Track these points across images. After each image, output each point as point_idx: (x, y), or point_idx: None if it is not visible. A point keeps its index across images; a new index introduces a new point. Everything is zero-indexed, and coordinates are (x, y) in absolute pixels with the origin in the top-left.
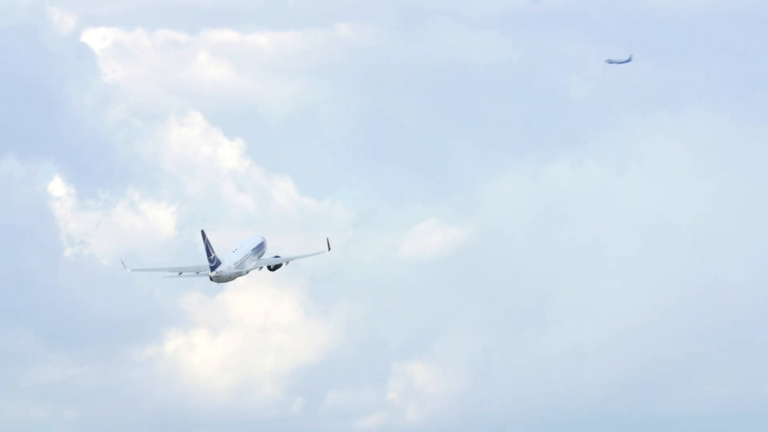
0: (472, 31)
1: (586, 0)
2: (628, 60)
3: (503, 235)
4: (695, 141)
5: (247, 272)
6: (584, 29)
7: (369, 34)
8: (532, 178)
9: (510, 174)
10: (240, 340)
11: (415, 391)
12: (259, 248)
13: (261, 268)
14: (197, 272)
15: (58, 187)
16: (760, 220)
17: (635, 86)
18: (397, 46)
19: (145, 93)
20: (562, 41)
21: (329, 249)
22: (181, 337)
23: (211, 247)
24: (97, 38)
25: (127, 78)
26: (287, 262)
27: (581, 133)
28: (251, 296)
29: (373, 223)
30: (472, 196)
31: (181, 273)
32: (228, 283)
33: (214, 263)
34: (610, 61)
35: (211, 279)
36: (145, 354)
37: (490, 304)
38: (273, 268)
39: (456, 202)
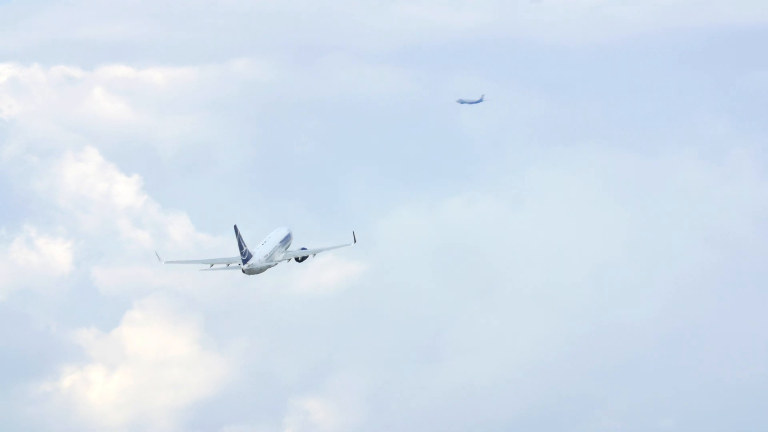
0: (368, 67)
1: (483, 36)
2: (480, 100)
3: (399, 270)
4: (590, 175)
5: (276, 264)
6: (480, 65)
7: (264, 69)
8: (428, 213)
9: (406, 209)
10: (136, 375)
11: (311, 427)
12: (286, 240)
13: (289, 259)
14: (228, 264)
15: None
16: (657, 256)
17: (530, 122)
18: (293, 81)
19: (40, 128)
20: (458, 77)
21: (354, 241)
22: (77, 372)
23: (243, 241)
24: None
25: (23, 114)
26: (314, 254)
27: (477, 169)
28: (147, 331)
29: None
30: (368, 231)
31: (212, 265)
32: (259, 274)
33: (246, 256)
34: (462, 101)
35: (243, 271)
36: (41, 390)
37: (386, 340)
38: (300, 259)
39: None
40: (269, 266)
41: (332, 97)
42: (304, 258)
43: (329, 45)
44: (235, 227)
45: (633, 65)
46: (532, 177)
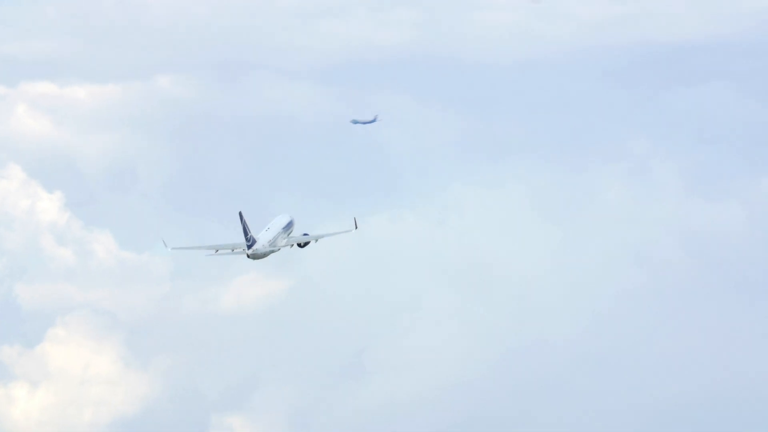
0: (291, 84)
1: (407, 53)
2: (373, 120)
3: (322, 287)
4: (515, 193)
5: (279, 249)
6: (404, 82)
7: (189, 86)
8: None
9: (329, 226)
10: (59, 392)
11: None
12: (289, 226)
13: (292, 245)
14: (232, 250)
15: None
16: (582, 273)
17: (454, 138)
18: (217, 98)
19: None
20: (381, 94)
21: (356, 227)
22: (0, 389)
23: (248, 227)
24: None
25: None
26: (316, 240)
27: (401, 186)
28: (70, 348)
29: (192, 275)
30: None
31: (217, 251)
32: (263, 259)
33: (251, 242)
34: (355, 122)
35: (248, 256)
36: None
37: (309, 357)
38: (302, 245)
39: (276, 255)
40: (272, 251)
41: (256, 114)
42: (306, 243)
43: (253, 62)
44: (240, 214)
45: (557, 82)
46: (456, 194)
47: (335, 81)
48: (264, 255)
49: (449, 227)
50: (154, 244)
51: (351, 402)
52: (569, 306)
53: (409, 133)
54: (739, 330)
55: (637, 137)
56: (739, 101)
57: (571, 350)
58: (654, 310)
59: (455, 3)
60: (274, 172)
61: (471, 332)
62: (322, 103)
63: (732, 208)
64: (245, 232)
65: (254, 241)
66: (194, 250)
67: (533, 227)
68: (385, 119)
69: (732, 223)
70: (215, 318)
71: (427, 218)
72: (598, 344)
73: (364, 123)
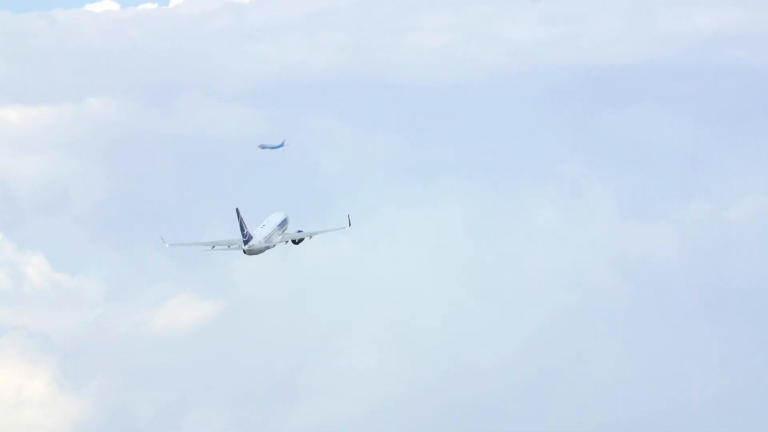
0: (223, 106)
1: (339, 75)
2: (281, 145)
3: (255, 310)
4: (447, 215)
5: (275, 245)
6: (337, 104)
7: (120, 109)
8: (281, 253)
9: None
10: None
11: None
12: (283, 224)
13: (287, 242)
14: (229, 246)
15: None
16: (514, 296)
17: (387, 161)
18: (149, 120)
19: None
20: (314, 116)
21: (350, 225)
22: None
23: (244, 223)
24: None
25: None
26: (310, 237)
27: (334, 208)
28: (3, 372)
29: (124, 298)
30: (223, 271)
31: (214, 247)
32: (259, 255)
33: (247, 238)
34: (263, 146)
35: (244, 252)
36: None
37: (241, 380)
38: (297, 241)
39: (207, 277)
40: (268, 247)
41: (188, 136)
42: (300, 240)
43: (185, 84)
44: (237, 210)
45: (489, 104)
46: (388, 216)
47: (267, 103)
48: (260, 251)
49: (382, 249)
50: (86, 266)
51: (284, 424)
52: (502, 329)
53: (342, 155)
54: (672, 352)
55: (570, 159)
56: (671, 123)
57: (503, 373)
58: (587, 333)
59: (387, 26)
60: (206, 194)
61: (403, 355)
62: (253, 125)
63: (664, 230)
64: (242, 228)
65: (250, 237)
66: (192, 246)
67: (466, 249)
68: (293, 144)
69: (664, 245)
70: (148, 340)
71: (359, 240)
72: (530, 367)
73: (272, 148)
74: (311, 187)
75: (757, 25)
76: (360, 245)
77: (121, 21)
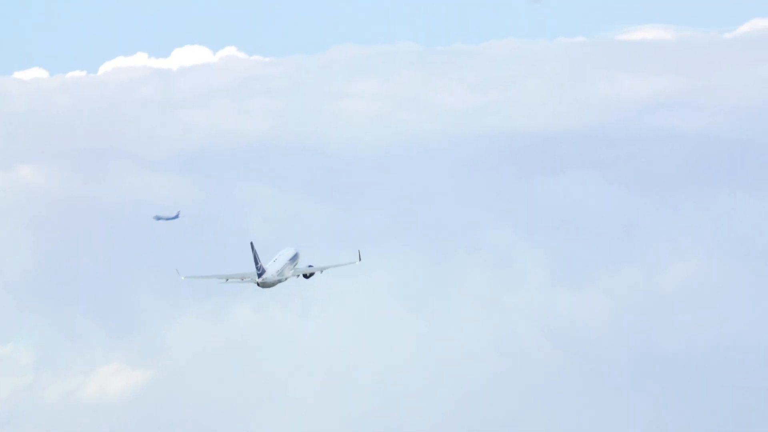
0: (153, 173)
1: (270, 142)
2: (176, 216)
3: (186, 377)
4: (379, 282)
5: (287, 279)
6: (267, 171)
7: (49, 176)
8: (215, 320)
9: (193, 316)
10: None
11: None
12: (294, 259)
13: (298, 276)
14: (242, 279)
15: None
16: (445, 362)
17: (318, 228)
18: (79, 187)
19: None
20: (245, 183)
21: (360, 260)
22: None
23: (258, 257)
24: None
25: None
26: (321, 271)
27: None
28: None
29: (55, 366)
30: (155, 338)
31: (227, 280)
32: (272, 288)
33: (261, 271)
34: (158, 218)
35: (258, 284)
36: None
37: None
38: (308, 275)
39: (139, 345)
40: (280, 281)
41: (118, 203)
42: (311, 274)
43: (114, 151)
44: (251, 244)
45: (420, 171)
46: (319, 283)
47: (196, 169)
48: (273, 284)
49: (313, 317)
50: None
51: None
52: (433, 393)
53: (272, 222)
54: (602, 419)
55: (501, 226)
56: (601, 190)
57: None
58: (517, 399)
59: (317, 93)
60: (137, 261)
61: (335, 420)
62: (183, 191)
63: (595, 297)
64: (255, 261)
65: (264, 271)
66: (207, 279)
67: (397, 316)
68: (186, 215)
69: (595, 313)
70: (79, 408)
71: (290, 308)
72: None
73: (167, 219)
74: (242, 254)
75: (686, 93)
76: (291, 312)
77: (50, 89)
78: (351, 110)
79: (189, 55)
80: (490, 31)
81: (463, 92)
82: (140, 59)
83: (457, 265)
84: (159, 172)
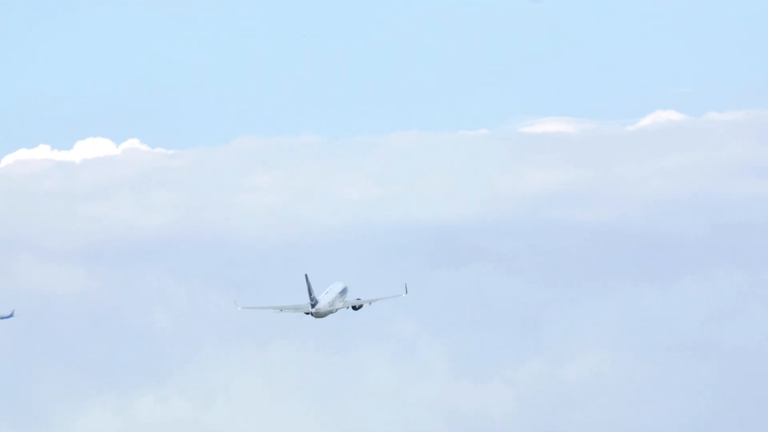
0: (54, 266)
1: (171, 234)
2: (11, 315)
3: None
4: (282, 375)
5: (337, 311)
6: (168, 263)
7: None
8: (117, 413)
9: (95, 409)
10: None
11: None
12: (344, 292)
13: (348, 307)
14: (295, 310)
15: None
16: None
17: (220, 321)
18: None
19: None
20: (145, 275)
21: (406, 292)
22: None
23: (311, 288)
24: None
25: None
26: (370, 303)
27: (168, 367)
28: None
29: None
30: (58, 430)
31: (282, 310)
32: (324, 318)
33: (314, 302)
34: None
35: (312, 315)
36: None
37: None
38: (357, 307)
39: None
40: (331, 312)
41: (19, 296)
42: (360, 306)
43: (16, 244)
44: (306, 276)
45: (322, 263)
46: (221, 376)
47: (99, 262)
48: (325, 314)
49: (217, 410)
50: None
51: None
52: None
53: (175, 314)
54: None
55: (404, 318)
56: (505, 282)
57: None
58: None
59: (221, 185)
60: (37, 354)
61: None
62: (86, 284)
63: (499, 389)
64: (309, 292)
65: (317, 302)
66: (262, 310)
67: (300, 408)
68: (18, 314)
69: (499, 405)
70: None
71: (194, 400)
72: None
73: (2, 318)
74: (146, 347)
75: (589, 185)
76: (193, 404)
77: None
78: (254, 202)
79: (92, 148)
80: (393, 123)
81: (366, 184)
82: (43, 152)
83: (361, 357)
84: (61, 264)
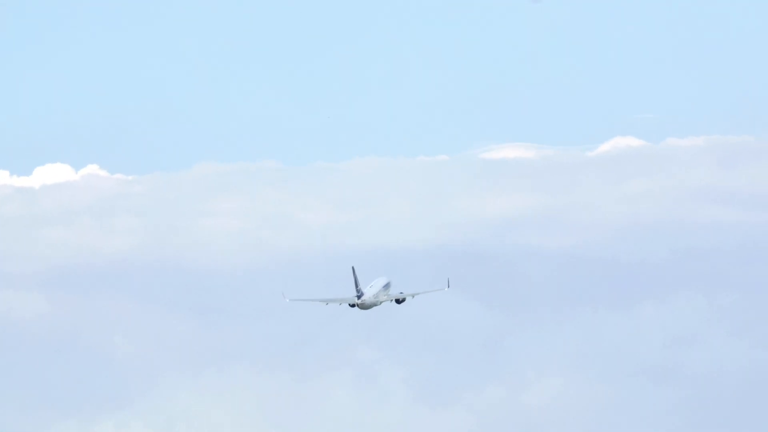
0: (15, 291)
1: (133, 259)
2: None
3: None
4: (242, 399)
5: (381, 303)
6: (131, 288)
7: None
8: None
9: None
10: None
11: None
12: (387, 286)
13: (391, 300)
14: (340, 303)
15: None
16: None
17: (181, 345)
18: None
19: None
20: (108, 300)
21: (449, 286)
22: None
23: (358, 280)
24: None
25: None
26: (413, 296)
27: (128, 393)
28: None
29: None
30: None
31: (327, 303)
32: (368, 310)
33: (360, 294)
34: None
35: (357, 306)
36: None
37: None
38: (400, 301)
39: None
40: (375, 304)
41: None
42: (403, 300)
43: None
44: (353, 268)
45: (281, 289)
46: (183, 402)
47: (60, 288)
48: (370, 306)
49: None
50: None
51: None
52: None
53: (137, 340)
54: None
55: (364, 344)
56: (465, 307)
57: None
58: None
59: (180, 211)
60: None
61: None
62: (47, 310)
63: (459, 415)
64: (356, 284)
65: (362, 293)
66: (309, 302)
67: None
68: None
69: (459, 431)
70: None
71: (155, 426)
72: None
73: None
74: (106, 372)
75: (549, 211)
76: (154, 430)
77: None
78: (214, 227)
79: (51, 174)
80: (352, 148)
81: (324, 210)
82: (1, 177)
83: (320, 383)
84: (21, 290)
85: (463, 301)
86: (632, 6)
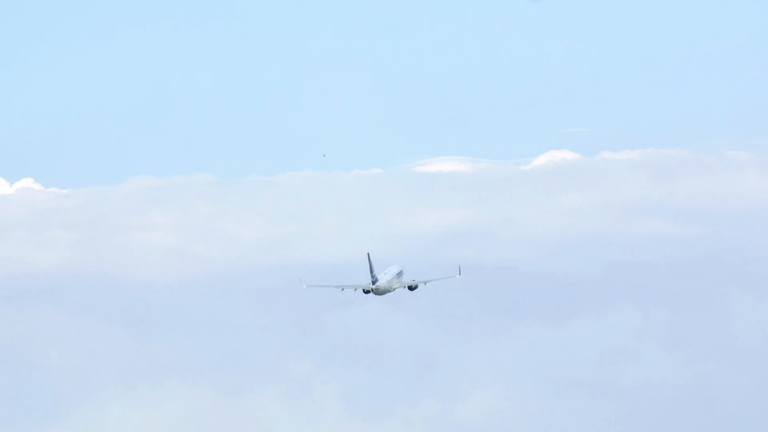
0: None
1: (66, 272)
2: None
3: None
4: (173, 415)
5: (394, 290)
6: (63, 302)
7: None
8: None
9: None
10: None
11: None
12: (400, 274)
13: (404, 287)
14: (355, 289)
15: None
16: None
17: (112, 359)
18: None
19: None
20: (40, 313)
21: (459, 274)
22: None
23: (372, 266)
24: None
25: None
26: (425, 283)
27: (62, 409)
28: None
29: None
30: None
31: (343, 289)
32: (383, 295)
33: (374, 279)
34: None
35: (372, 291)
36: None
37: None
38: (413, 288)
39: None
40: (389, 290)
41: None
42: (415, 287)
43: None
44: (368, 255)
45: (216, 303)
46: (116, 415)
47: None
48: (384, 292)
49: None
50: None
51: None
52: None
53: (70, 354)
54: None
55: (297, 358)
56: (398, 321)
57: None
58: None
59: (114, 224)
60: None
61: None
62: None
63: (393, 428)
64: (371, 270)
65: (377, 279)
66: (325, 288)
67: None
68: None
69: None
70: None
71: None
72: None
73: None
74: (38, 386)
75: (484, 225)
76: None
77: None
78: (148, 241)
79: None
80: (286, 162)
81: (259, 223)
82: None
83: (253, 397)
84: None
85: (397, 314)
86: (565, 21)
